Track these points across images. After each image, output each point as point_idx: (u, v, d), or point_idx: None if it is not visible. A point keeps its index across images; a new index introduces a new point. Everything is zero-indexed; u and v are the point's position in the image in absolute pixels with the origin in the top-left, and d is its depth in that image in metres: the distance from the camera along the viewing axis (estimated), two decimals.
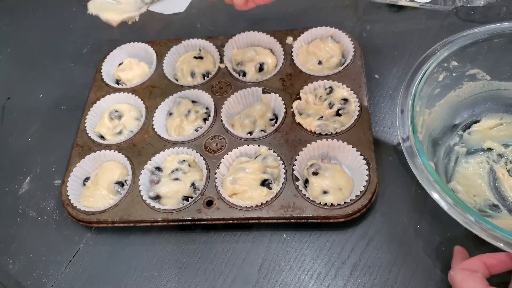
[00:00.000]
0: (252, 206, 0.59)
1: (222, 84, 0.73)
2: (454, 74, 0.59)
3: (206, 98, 0.71)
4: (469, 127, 0.62)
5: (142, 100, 0.73)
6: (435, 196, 0.47)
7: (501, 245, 0.43)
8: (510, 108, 0.62)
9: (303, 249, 0.58)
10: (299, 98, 0.68)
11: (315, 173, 0.60)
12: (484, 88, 0.61)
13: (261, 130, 0.67)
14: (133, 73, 0.78)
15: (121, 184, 0.65)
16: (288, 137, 0.65)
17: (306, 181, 0.61)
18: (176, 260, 0.60)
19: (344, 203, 0.57)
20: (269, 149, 0.64)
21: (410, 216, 0.58)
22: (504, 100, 0.61)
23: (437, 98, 0.59)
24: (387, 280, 0.54)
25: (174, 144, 0.68)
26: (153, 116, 0.71)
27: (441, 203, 0.47)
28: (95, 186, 0.65)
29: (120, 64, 0.80)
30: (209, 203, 0.60)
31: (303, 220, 0.58)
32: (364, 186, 0.58)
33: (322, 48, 0.73)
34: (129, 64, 0.79)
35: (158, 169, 0.65)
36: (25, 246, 0.65)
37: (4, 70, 0.88)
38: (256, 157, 0.64)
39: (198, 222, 0.60)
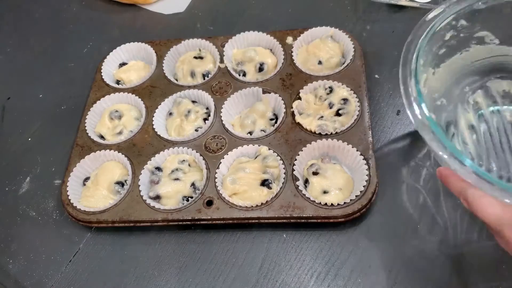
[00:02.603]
0: (252, 206, 0.59)
1: (222, 84, 0.73)
2: (461, 35, 0.55)
3: (206, 98, 0.71)
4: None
5: (142, 100, 0.73)
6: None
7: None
8: None
9: (303, 249, 0.58)
10: (299, 98, 0.68)
11: (315, 173, 0.60)
12: (491, 53, 0.57)
13: (261, 130, 0.67)
14: (138, 74, 0.78)
15: (121, 184, 0.65)
16: (288, 137, 0.65)
17: (306, 181, 0.61)
18: (176, 260, 0.60)
19: (344, 203, 0.57)
20: (269, 149, 0.64)
21: (410, 216, 0.58)
22: (511, 66, 0.58)
23: (442, 58, 0.56)
24: (387, 280, 0.54)
25: (174, 144, 0.68)
26: (153, 116, 0.71)
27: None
28: (95, 186, 0.65)
29: (122, 65, 0.80)
30: (209, 203, 0.60)
31: (303, 220, 0.58)
32: (364, 186, 0.58)
33: (322, 48, 0.73)
34: (134, 66, 0.79)
35: (158, 169, 0.65)
36: (25, 246, 0.65)
37: (4, 70, 0.88)
38: (256, 157, 0.64)
39: (198, 222, 0.60)
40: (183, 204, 0.61)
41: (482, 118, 0.57)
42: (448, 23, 0.52)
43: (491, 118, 0.57)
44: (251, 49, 0.76)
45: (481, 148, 0.56)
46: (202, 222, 0.60)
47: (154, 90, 0.75)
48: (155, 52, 0.79)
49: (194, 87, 0.73)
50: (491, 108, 0.58)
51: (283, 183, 0.60)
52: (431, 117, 0.46)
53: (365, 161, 0.60)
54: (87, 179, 0.67)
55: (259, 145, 0.65)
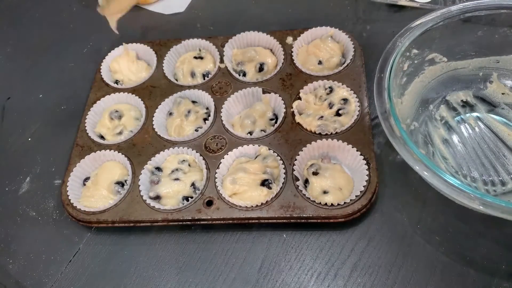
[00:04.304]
0: (252, 206, 0.59)
1: (222, 84, 0.73)
2: (416, 62, 0.62)
3: (206, 98, 0.71)
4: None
5: (142, 100, 0.73)
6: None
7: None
8: (469, 84, 0.65)
9: (303, 249, 0.58)
10: (299, 98, 0.68)
11: (315, 173, 0.60)
12: (443, 70, 0.65)
13: (261, 130, 0.67)
14: (128, 64, 0.78)
15: (121, 184, 0.65)
16: (288, 137, 0.65)
17: (306, 181, 0.61)
18: (176, 260, 0.60)
19: (344, 203, 0.57)
20: (269, 149, 0.64)
21: (410, 216, 0.58)
22: (461, 78, 0.65)
23: (405, 86, 0.62)
24: (387, 280, 0.54)
25: (174, 144, 0.68)
26: (153, 116, 0.71)
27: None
28: (95, 186, 0.65)
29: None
30: (209, 203, 0.60)
31: (303, 220, 0.58)
32: (364, 186, 0.58)
33: (322, 48, 0.73)
34: (125, 56, 0.79)
35: (158, 169, 0.65)
36: (25, 246, 0.65)
37: (4, 70, 0.88)
38: (256, 157, 0.64)
39: (198, 222, 0.60)
40: (183, 204, 0.61)
41: (452, 130, 0.63)
42: (402, 55, 0.59)
43: (459, 128, 0.63)
44: (251, 49, 0.76)
45: (459, 159, 0.60)
46: (202, 222, 0.60)
47: (154, 90, 0.75)
48: (155, 52, 0.79)
49: (194, 87, 0.73)
50: (456, 118, 0.64)
51: (283, 183, 0.60)
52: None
53: (365, 161, 0.60)
54: (87, 179, 0.67)
55: (259, 145, 0.65)
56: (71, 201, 0.64)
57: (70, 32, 0.92)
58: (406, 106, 0.62)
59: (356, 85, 0.68)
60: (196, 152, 0.65)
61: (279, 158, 0.63)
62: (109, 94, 0.75)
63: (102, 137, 0.71)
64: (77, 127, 0.72)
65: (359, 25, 0.79)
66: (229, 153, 0.64)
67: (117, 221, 0.62)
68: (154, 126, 0.70)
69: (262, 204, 0.59)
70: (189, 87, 0.73)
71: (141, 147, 0.68)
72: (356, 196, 0.57)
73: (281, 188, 0.60)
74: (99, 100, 0.74)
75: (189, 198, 0.62)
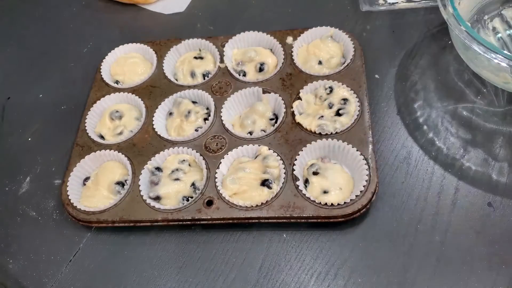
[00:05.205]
0: (252, 206, 0.59)
1: (222, 84, 0.73)
2: None
3: (206, 98, 0.71)
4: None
5: (142, 100, 0.73)
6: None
7: None
8: None
9: (303, 249, 0.58)
10: (299, 98, 0.68)
11: (315, 173, 0.60)
12: None
13: (261, 130, 0.67)
14: (132, 68, 0.78)
15: (121, 184, 0.65)
16: (288, 137, 0.65)
17: (306, 181, 0.61)
18: (176, 260, 0.60)
19: (344, 203, 0.57)
20: (269, 149, 0.64)
21: (410, 216, 0.58)
22: None
23: None
24: (387, 280, 0.54)
25: (174, 144, 0.68)
26: (153, 116, 0.71)
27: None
28: (95, 186, 0.65)
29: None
30: (209, 203, 0.60)
31: (303, 220, 0.58)
32: (364, 186, 0.58)
33: (322, 48, 0.73)
34: (130, 58, 0.79)
35: (158, 169, 0.65)
36: (25, 246, 0.65)
37: (4, 70, 0.88)
38: (256, 157, 0.64)
39: (198, 222, 0.60)
40: (183, 204, 0.61)
41: (502, 42, 0.68)
42: None
43: (509, 40, 0.67)
44: (251, 49, 0.76)
45: None
46: (202, 222, 0.60)
47: (154, 90, 0.75)
48: (155, 52, 0.79)
49: (194, 87, 0.73)
50: (508, 32, 0.68)
51: (283, 183, 0.60)
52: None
53: (365, 161, 0.60)
54: (87, 179, 0.67)
55: (259, 145, 0.65)
56: (71, 201, 0.64)
57: (70, 32, 0.92)
58: (462, 10, 0.63)
59: (356, 85, 0.68)
60: (196, 152, 0.65)
61: (279, 158, 0.63)
62: (109, 94, 0.75)
63: (102, 137, 0.71)
64: (77, 127, 0.72)
65: (359, 25, 0.79)
66: (229, 153, 0.64)
67: (117, 221, 0.62)
68: (154, 126, 0.70)
69: (262, 204, 0.59)
70: (189, 87, 0.73)
71: (141, 147, 0.68)
72: (356, 196, 0.57)
73: (281, 188, 0.60)
74: (99, 100, 0.74)
75: (189, 198, 0.62)
